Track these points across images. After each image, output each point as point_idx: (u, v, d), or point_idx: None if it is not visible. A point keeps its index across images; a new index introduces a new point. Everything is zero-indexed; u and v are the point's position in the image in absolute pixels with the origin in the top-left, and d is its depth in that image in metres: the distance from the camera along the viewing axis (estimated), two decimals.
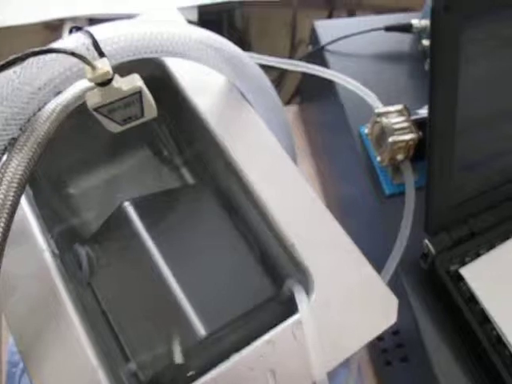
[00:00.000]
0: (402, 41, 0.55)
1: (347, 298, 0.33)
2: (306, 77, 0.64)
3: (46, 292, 0.32)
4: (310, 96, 0.64)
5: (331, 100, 0.53)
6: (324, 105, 0.57)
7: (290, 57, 0.80)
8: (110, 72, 0.28)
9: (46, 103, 0.30)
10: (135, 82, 0.31)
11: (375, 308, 0.33)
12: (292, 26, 0.77)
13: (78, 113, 0.44)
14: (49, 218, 0.39)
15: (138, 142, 0.51)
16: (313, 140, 0.65)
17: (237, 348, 0.31)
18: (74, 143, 0.47)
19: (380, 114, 0.42)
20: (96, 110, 0.31)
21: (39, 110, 0.30)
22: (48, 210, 0.42)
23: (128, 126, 0.35)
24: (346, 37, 0.54)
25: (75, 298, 0.33)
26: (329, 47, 0.55)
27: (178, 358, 0.36)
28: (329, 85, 0.52)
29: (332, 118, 0.55)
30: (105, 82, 0.29)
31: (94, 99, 0.31)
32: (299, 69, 0.49)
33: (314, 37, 0.57)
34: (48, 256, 0.34)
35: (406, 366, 0.45)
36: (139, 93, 0.32)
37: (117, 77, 0.30)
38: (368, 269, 0.35)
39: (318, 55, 0.54)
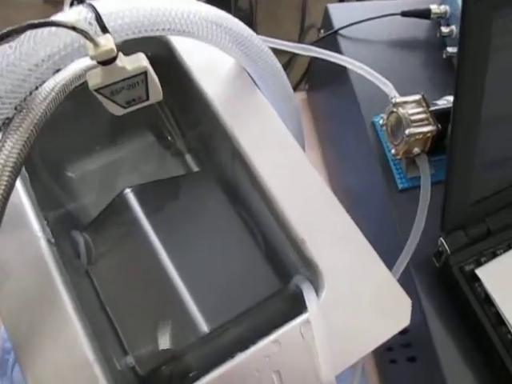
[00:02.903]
0: (420, 27, 0.53)
1: (358, 297, 0.32)
2: (316, 63, 0.62)
3: (40, 281, 0.30)
4: (319, 83, 0.61)
5: (343, 88, 0.51)
6: (335, 93, 0.55)
7: (300, 42, 0.77)
8: (113, 49, 0.26)
9: (43, 81, 0.28)
10: (140, 61, 0.29)
11: (387, 309, 0.32)
12: (302, 10, 0.74)
13: (78, 93, 0.42)
14: (45, 203, 0.37)
15: (141, 126, 0.49)
16: (320, 129, 0.63)
17: (241, 347, 0.30)
18: (74, 125, 0.45)
19: (396, 104, 0.40)
20: (98, 90, 0.29)
21: (36, 88, 0.28)
22: (45, 194, 0.41)
23: (131, 108, 0.33)
24: (360, 21, 0.52)
25: (71, 287, 0.31)
26: (342, 32, 0.52)
27: (178, 353, 0.34)
28: (341, 72, 0.50)
29: (343, 107, 0.52)
30: (108, 61, 0.27)
31: (95, 79, 0.29)
32: (312, 54, 0.47)
33: (326, 21, 0.55)
34: (43, 243, 0.32)
35: (411, 365, 0.44)
36: (144, 73, 0.30)
37: (121, 55, 0.28)
38: (381, 267, 0.33)
39: (330, 40, 0.52)
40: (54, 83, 0.30)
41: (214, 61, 0.39)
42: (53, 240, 0.34)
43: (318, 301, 0.32)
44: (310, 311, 0.31)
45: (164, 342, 0.35)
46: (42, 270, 0.31)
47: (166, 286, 0.35)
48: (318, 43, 0.50)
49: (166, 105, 0.46)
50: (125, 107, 0.32)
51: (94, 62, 0.27)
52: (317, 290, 0.33)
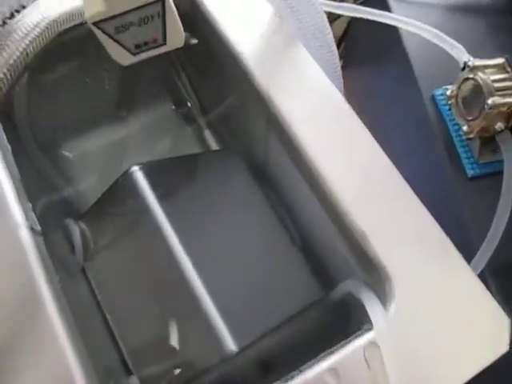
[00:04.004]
0: None
1: (440, 312, 0.25)
2: (355, 33, 0.55)
3: (18, 282, 0.24)
4: (357, 57, 0.54)
5: (393, 58, 0.44)
6: (381, 66, 0.49)
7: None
8: None
9: (23, 6, 0.21)
10: None
11: (479, 329, 0.25)
12: None
13: (77, 53, 0.35)
14: (34, 186, 0.31)
15: (152, 96, 0.42)
16: (360, 105, 0.55)
17: (279, 373, 0.24)
18: (73, 94, 0.39)
19: (474, 69, 0.33)
20: (97, 24, 0.22)
21: (11, 15, 0.21)
22: (34, 176, 0.34)
23: (143, 56, 0.26)
24: None
25: (60, 290, 0.25)
26: None
27: (196, 377, 0.27)
28: (391, 39, 0.42)
29: (393, 82, 0.46)
30: None
31: (94, 7, 0.21)
32: (359, 15, 0.40)
33: None
34: (25, 233, 0.25)
35: None
36: (161, 2, 0.22)
37: None
38: (469, 275, 0.25)
39: (377, 2, 0.44)
40: (41, 18, 0.23)
41: (247, 11, 0.33)
42: (38, 228, 0.27)
43: (386, 315, 0.24)
44: (377, 330, 0.24)
45: (178, 362, 0.28)
46: (20, 266, 0.24)
47: (181, 290, 0.28)
48: (364, 4, 0.43)
49: (182, 69, 0.39)
50: (134, 53, 0.25)
51: None
52: (383, 300, 0.25)
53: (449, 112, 0.38)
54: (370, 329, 0.24)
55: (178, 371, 0.28)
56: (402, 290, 0.25)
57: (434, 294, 0.25)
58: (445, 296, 0.25)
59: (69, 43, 0.33)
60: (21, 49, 0.22)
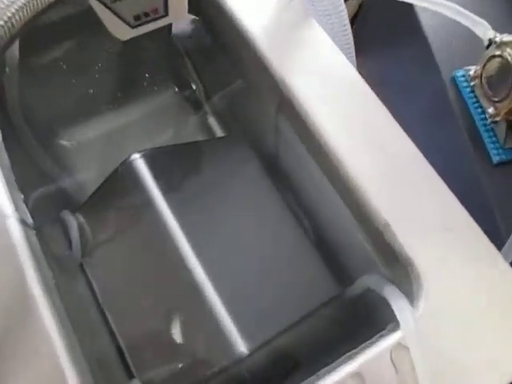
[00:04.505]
0: None
1: (475, 312, 0.22)
2: (367, 9, 0.52)
3: (8, 280, 0.22)
4: (370, 34, 0.51)
5: (409, 39, 0.42)
6: (395, 49, 0.46)
7: None
8: None
9: None
10: None
11: None
12: None
13: (72, 34, 0.33)
14: (29, 177, 0.31)
15: (155, 81, 0.39)
16: (374, 92, 0.53)
17: (295, 379, 0.22)
18: (71, 80, 0.37)
19: (502, 45, 0.30)
20: None
21: None
22: (27, 164, 0.32)
23: (142, 30, 0.23)
24: None
25: (53, 288, 0.23)
26: None
27: (205, 381, 0.25)
28: (405, 15, 0.41)
29: (409, 62, 0.43)
30: None
31: None
32: None
33: None
34: (14, 225, 0.23)
35: None
36: None
37: None
38: (504, 266, 0.23)
39: None
40: None
41: None
42: (30, 221, 0.24)
43: (414, 314, 0.21)
44: (405, 329, 0.21)
45: (185, 365, 0.26)
46: (8, 262, 0.22)
47: (188, 289, 0.26)
48: None
49: (185, 51, 0.36)
50: (132, 26, 0.23)
51: None
52: (408, 296, 0.23)
53: (471, 94, 0.36)
54: (396, 328, 0.22)
55: (184, 375, 0.26)
56: (431, 285, 0.22)
57: (467, 289, 0.22)
58: (479, 291, 0.22)
59: (63, 22, 0.31)
60: (5, 17, 0.19)
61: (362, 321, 0.27)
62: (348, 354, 0.22)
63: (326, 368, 0.22)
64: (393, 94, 0.47)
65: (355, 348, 0.22)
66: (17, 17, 0.20)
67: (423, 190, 0.24)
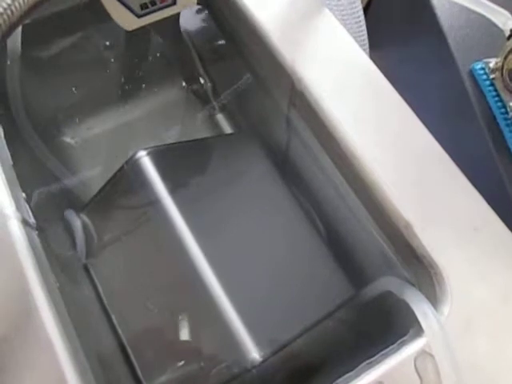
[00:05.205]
0: None
1: (506, 319, 0.21)
2: (378, 10, 0.51)
3: (8, 282, 0.21)
4: (383, 27, 0.50)
5: (424, 32, 0.40)
6: (409, 43, 0.45)
7: None
8: None
9: None
10: None
11: None
12: None
13: (76, 27, 0.31)
14: (32, 176, 0.30)
15: (162, 77, 0.38)
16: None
17: None
18: (73, 73, 0.36)
19: None
20: None
21: None
22: (30, 163, 0.31)
23: (149, 19, 0.22)
24: None
25: (56, 291, 0.23)
26: None
27: None
28: (419, 6, 0.39)
29: (424, 55, 0.41)
30: None
31: None
32: None
33: None
34: (16, 225, 0.22)
35: None
36: None
37: None
38: None
39: None
40: None
41: None
42: (33, 221, 0.23)
43: (440, 320, 0.20)
44: (429, 335, 0.20)
45: (194, 371, 0.25)
46: (9, 264, 0.21)
47: (197, 292, 0.25)
48: None
49: (193, 45, 0.35)
50: (139, 15, 0.21)
51: None
52: (431, 300, 0.21)
53: (490, 87, 0.34)
54: (419, 334, 0.20)
55: (193, 382, 0.25)
56: (457, 289, 0.21)
57: (495, 293, 0.21)
58: (509, 296, 0.21)
59: (68, 15, 0.30)
60: (4, 4, 0.18)
61: (380, 325, 0.25)
62: (368, 361, 0.21)
63: (345, 376, 0.20)
64: (409, 87, 0.46)
65: (374, 354, 0.21)
66: (16, 4, 0.19)
67: (447, 187, 0.23)
